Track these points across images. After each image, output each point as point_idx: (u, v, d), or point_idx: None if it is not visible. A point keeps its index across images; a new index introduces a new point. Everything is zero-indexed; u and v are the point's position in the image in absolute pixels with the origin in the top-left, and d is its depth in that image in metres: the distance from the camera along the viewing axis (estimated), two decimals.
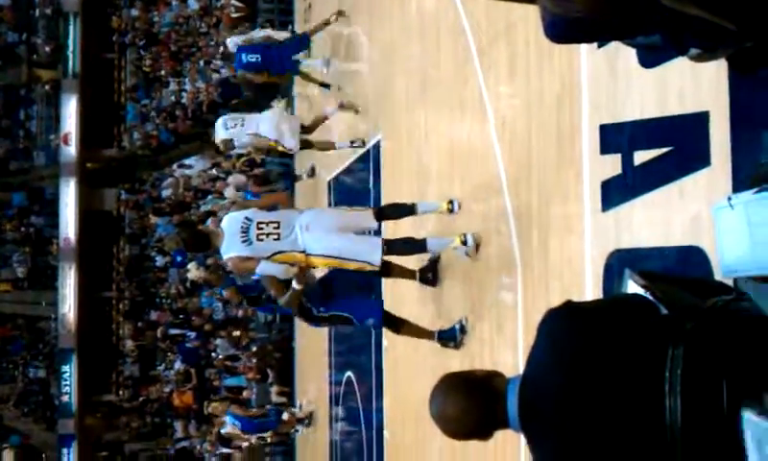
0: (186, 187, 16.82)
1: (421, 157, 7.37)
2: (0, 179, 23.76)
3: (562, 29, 2.17)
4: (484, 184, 5.89)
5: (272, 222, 5.76)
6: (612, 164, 4.15)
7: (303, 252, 5.74)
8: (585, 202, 4.41)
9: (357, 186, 9.70)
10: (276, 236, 5.72)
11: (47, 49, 22.88)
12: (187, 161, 16.51)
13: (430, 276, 6.59)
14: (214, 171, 15.11)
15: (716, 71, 3.32)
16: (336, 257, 5.79)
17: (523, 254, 5.18)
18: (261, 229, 5.74)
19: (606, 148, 4.25)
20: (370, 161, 8.95)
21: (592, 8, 2.06)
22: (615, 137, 4.16)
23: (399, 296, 7.29)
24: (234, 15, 12.50)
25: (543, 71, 5.03)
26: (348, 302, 6.17)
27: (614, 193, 4.13)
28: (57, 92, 22.37)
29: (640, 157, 3.95)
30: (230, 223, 5.80)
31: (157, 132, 18.80)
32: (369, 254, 5.82)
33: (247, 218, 5.78)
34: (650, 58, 3.77)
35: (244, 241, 5.69)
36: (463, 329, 6.11)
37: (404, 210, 6.31)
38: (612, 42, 3.77)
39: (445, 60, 6.92)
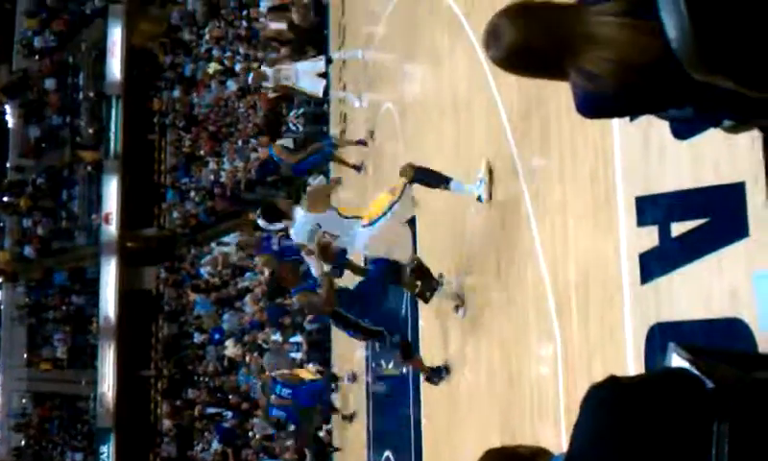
0: (225, 264, 16.97)
1: (457, 237, 7.40)
2: (42, 258, 24.20)
3: (593, 105, 2.20)
4: (521, 260, 5.88)
5: None
6: (650, 236, 4.13)
7: None
8: (623, 275, 4.38)
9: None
10: None
11: (90, 131, 23.54)
12: (225, 239, 16.70)
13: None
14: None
15: (751, 141, 3.32)
16: None
17: (563, 330, 5.15)
18: None
19: (642, 220, 4.24)
20: None
21: (624, 85, 2.09)
22: (652, 209, 4.16)
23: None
24: (272, 96, 12.82)
25: (577, 144, 5.06)
26: (380, 314, 6.70)
27: (653, 265, 4.11)
28: (98, 173, 22.92)
29: (677, 228, 3.94)
30: None
31: (196, 211, 19.09)
32: None
33: None
34: (683, 129, 3.78)
35: None
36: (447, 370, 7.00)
37: (437, 179, 6.67)
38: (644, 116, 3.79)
39: (479, 135, 6.99)
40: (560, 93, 5.03)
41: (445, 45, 8.23)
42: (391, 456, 9.65)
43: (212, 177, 18.43)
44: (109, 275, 21.96)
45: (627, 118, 4.31)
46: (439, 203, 7.81)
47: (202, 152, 19.42)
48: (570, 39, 1.96)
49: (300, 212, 7.15)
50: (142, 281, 22.11)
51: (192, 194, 19.77)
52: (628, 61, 1.96)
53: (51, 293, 24.64)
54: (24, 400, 25.28)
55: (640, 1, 2.02)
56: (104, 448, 20.68)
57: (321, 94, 12.37)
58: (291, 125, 13.73)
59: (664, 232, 4.02)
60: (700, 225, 3.77)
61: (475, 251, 7.03)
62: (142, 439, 20.59)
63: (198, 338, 18.81)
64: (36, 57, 24.95)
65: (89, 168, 23.38)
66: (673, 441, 1.89)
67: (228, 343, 16.23)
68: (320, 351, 13.36)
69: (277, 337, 14.10)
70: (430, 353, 8.04)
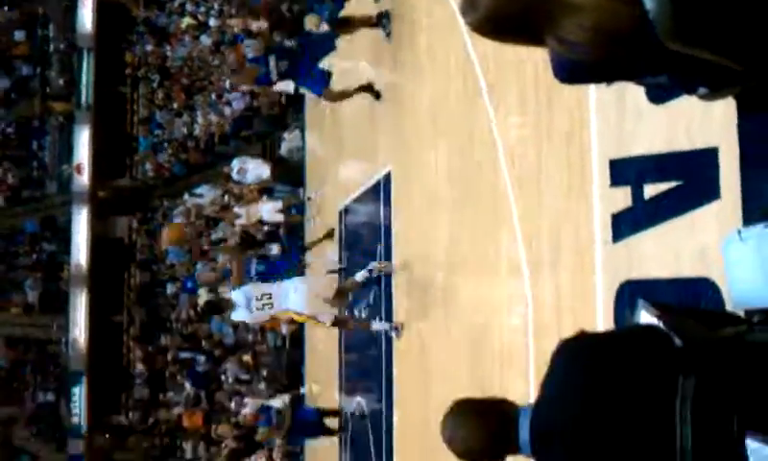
0: (198, 216, 16.92)
1: (432, 191, 7.43)
2: (13, 207, 23.92)
3: (570, 71, 2.21)
4: (494, 217, 5.93)
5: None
6: (623, 197, 4.18)
7: None
8: (596, 233, 4.43)
9: (368, 218, 9.77)
10: None
11: (60, 82, 23.12)
12: (198, 190, 16.61)
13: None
14: (225, 198, 15.21)
15: (725, 107, 3.37)
16: None
17: (534, 286, 5.19)
18: None
19: (616, 181, 4.29)
20: (380, 191, 9.02)
21: (600, 52, 2.11)
22: (625, 171, 4.19)
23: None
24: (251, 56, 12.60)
25: (553, 107, 5.09)
26: None
27: (625, 225, 4.15)
28: (70, 123, 22.57)
29: (650, 190, 3.98)
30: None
31: (169, 163, 18.93)
32: None
33: None
34: (659, 95, 3.82)
35: None
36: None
37: None
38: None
39: (455, 95, 7.00)
40: (536, 56, 5.05)
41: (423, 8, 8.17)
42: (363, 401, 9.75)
43: (185, 130, 18.26)
44: (81, 223, 21.81)
45: (603, 83, 4.34)
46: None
47: (175, 105, 19.20)
48: (547, 6, 1.92)
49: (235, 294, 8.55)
50: (114, 230, 21.99)
51: (165, 146, 19.60)
52: (605, 30, 1.92)
53: (21, 240, 24.42)
54: None
55: None
56: (75, 390, 20.76)
57: None
58: None
59: (637, 194, 4.06)
60: (673, 187, 3.81)
61: (448, 210, 7.08)
62: (114, 382, 20.71)
63: (171, 288, 18.81)
64: (5, 8, 24.44)
65: (60, 119, 23.02)
66: (639, 394, 1.94)
67: (201, 291, 16.21)
68: None
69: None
70: (402, 308, 8.14)
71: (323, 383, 12.16)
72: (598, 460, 1.96)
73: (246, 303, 8.54)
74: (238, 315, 8.83)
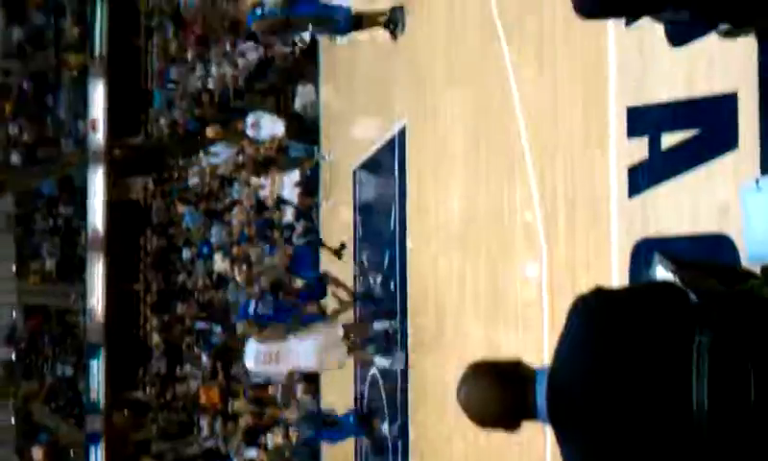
0: (213, 175, 16.91)
1: (447, 141, 7.36)
2: (29, 166, 24.07)
3: (591, 3, 2.15)
4: (509, 167, 5.87)
5: None
6: (639, 148, 4.12)
7: None
8: (612, 187, 4.39)
9: (383, 174, 9.69)
10: None
11: (75, 32, 23.13)
12: (213, 149, 16.58)
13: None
14: (240, 158, 15.17)
15: (744, 50, 3.25)
16: None
17: (549, 239, 5.18)
18: None
19: (633, 131, 4.22)
20: (395, 148, 8.93)
21: None
22: (643, 119, 4.13)
23: None
24: None
25: (571, 50, 4.98)
26: None
27: (641, 179, 4.11)
28: (84, 77, 22.60)
29: (668, 140, 3.93)
30: None
31: (184, 119, 18.91)
32: None
33: None
34: (679, 34, 3.71)
35: None
36: None
37: None
38: (640, 20, 3.70)
39: (472, 40, 6.87)
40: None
41: None
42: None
43: (199, 83, 18.21)
44: (97, 185, 21.90)
45: (622, 24, 4.22)
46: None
47: (189, 56, 19.15)
48: None
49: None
50: (129, 192, 22.08)
51: (179, 102, 19.57)
52: None
53: (39, 204, 24.60)
54: (14, 314, 25.52)
55: None
56: (93, 363, 20.97)
57: None
58: None
59: (655, 145, 4.00)
60: (690, 137, 3.75)
61: (463, 160, 6.99)
62: (132, 355, 20.90)
63: (186, 254, 18.88)
64: None
65: (74, 72, 23.06)
66: (655, 350, 1.97)
67: (217, 257, 16.21)
68: None
69: (266, 250, 14.16)
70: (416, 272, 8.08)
71: None
72: (612, 418, 1.98)
73: (255, 355, 9.00)
74: (249, 363, 9.26)
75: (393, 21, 8.78)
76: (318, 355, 8.97)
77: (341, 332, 9.22)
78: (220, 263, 15.04)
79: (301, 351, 8.92)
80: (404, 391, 8.45)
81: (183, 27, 19.60)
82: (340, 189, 11.65)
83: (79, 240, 22.94)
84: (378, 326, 9.22)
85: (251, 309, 9.78)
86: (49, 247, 24.20)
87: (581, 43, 4.83)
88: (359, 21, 9.33)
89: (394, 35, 8.80)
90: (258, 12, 9.69)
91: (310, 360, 9.01)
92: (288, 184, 13.02)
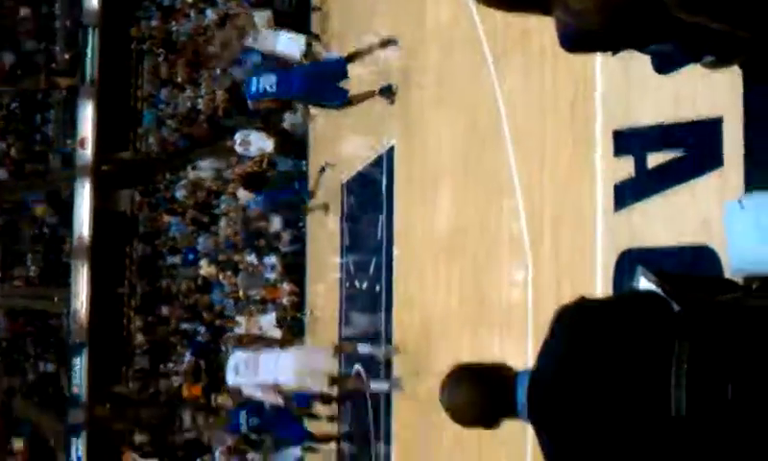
0: (200, 188, 16.94)
1: (435, 161, 7.44)
2: (16, 180, 23.92)
3: (576, 40, 2.22)
4: (497, 186, 5.94)
5: None
6: (626, 167, 4.18)
7: None
8: (597, 202, 4.43)
9: (370, 190, 9.78)
10: None
11: (65, 57, 23.07)
12: (201, 163, 16.62)
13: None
14: (228, 173, 15.22)
15: (731, 76, 3.36)
16: None
17: (535, 254, 5.22)
18: None
19: (619, 150, 4.29)
20: (383, 165, 9.03)
21: (606, 21, 2.12)
22: (629, 142, 4.19)
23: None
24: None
25: (558, 76, 5.09)
26: None
27: (627, 194, 4.15)
28: (74, 98, 22.53)
29: (654, 159, 3.97)
30: None
31: (173, 137, 18.94)
32: None
33: None
34: (664, 64, 3.81)
35: None
36: None
37: None
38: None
39: (461, 67, 6.99)
40: (542, 25, 5.04)
41: None
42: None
43: (189, 104, 18.26)
44: (83, 197, 21.81)
45: (609, 52, 4.34)
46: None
47: (179, 79, 19.19)
48: None
49: None
50: (117, 204, 22.00)
51: (169, 121, 19.59)
52: None
53: (25, 214, 24.44)
54: None
55: None
56: (76, 361, 20.86)
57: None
58: None
59: (640, 164, 4.06)
60: (676, 157, 3.81)
61: (451, 176, 7.09)
62: (115, 352, 20.81)
63: (171, 260, 18.86)
64: None
65: (64, 92, 22.96)
66: (636, 358, 1.98)
67: (203, 263, 16.24)
68: (295, 272, 13.52)
69: (252, 258, 14.22)
70: (404, 279, 8.17)
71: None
72: (594, 423, 1.98)
73: (234, 365, 9.08)
74: (229, 376, 9.31)
75: (384, 91, 8.76)
76: (296, 374, 8.81)
77: (324, 362, 9.13)
78: (206, 268, 15.06)
79: (281, 364, 8.81)
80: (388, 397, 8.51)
81: (175, 52, 19.69)
82: (329, 201, 11.74)
83: (63, 248, 22.86)
84: (364, 349, 9.07)
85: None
86: (32, 255, 24.10)
87: (568, 66, 4.86)
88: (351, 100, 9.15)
89: (391, 100, 8.73)
90: (253, 88, 9.14)
91: (288, 376, 8.84)
92: None
